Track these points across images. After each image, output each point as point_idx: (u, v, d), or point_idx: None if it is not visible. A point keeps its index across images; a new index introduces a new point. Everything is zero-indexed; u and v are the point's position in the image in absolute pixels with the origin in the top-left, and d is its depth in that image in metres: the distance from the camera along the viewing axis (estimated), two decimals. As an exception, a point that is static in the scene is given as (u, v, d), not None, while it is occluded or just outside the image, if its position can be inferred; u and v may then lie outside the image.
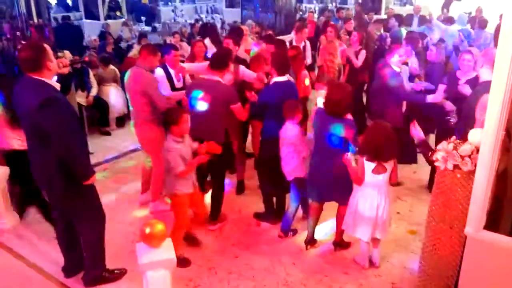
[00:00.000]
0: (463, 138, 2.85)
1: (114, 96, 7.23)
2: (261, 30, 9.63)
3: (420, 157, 5.44)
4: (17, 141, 3.97)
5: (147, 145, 4.63)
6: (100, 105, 7.08)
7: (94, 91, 6.96)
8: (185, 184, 3.66)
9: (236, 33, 5.95)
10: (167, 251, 2.93)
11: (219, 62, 4.07)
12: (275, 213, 4.45)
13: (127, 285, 3.57)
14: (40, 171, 3.22)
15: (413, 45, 6.21)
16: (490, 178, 2.48)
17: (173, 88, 4.76)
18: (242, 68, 4.84)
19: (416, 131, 3.30)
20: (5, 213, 4.38)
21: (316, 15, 13.19)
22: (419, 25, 9.64)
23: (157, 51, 4.52)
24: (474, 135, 2.75)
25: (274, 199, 4.45)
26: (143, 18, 14.42)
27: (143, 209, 4.74)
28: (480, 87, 3.64)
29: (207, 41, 6.41)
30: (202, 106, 4.01)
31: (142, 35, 9.36)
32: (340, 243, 4.04)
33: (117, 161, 6.10)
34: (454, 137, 2.91)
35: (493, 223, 2.68)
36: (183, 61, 6.20)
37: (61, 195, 3.23)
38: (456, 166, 2.73)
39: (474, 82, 4.31)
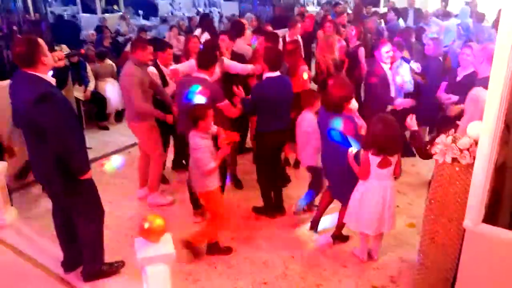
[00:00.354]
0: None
1: (111, 91, 7.20)
2: (258, 23, 9.57)
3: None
4: None
5: (141, 139, 4.64)
6: (97, 99, 7.06)
7: (91, 86, 6.94)
8: (215, 177, 3.64)
9: (237, 27, 5.90)
10: (166, 245, 2.92)
11: (205, 60, 4.05)
12: (273, 207, 4.46)
13: (126, 280, 3.57)
14: (39, 167, 3.21)
15: (404, 39, 6.20)
16: (488, 171, 2.48)
17: (165, 86, 4.76)
18: (225, 60, 4.82)
19: (412, 122, 3.30)
20: (4, 209, 4.37)
21: (315, 8, 13.14)
22: (414, 18, 9.59)
23: (146, 45, 4.46)
24: (473, 128, 2.74)
25: (272, 193, 4.46)
26: (140, 12, 14.34)
27: (142, 204, 4.75)
28: (480, 83, 3.62)
29: (205, 35, 6.37)
30: (189, 104, 3.99)
31: (142, 29, 9.32)
32: (339, 236, 4.05)
33: (116, 155, 6.09)
34: (453, 130, 2.91)
35: (492, 216, 2.68)
36: (179, 56, 6.18)
37: (60, 190, 3.23)
38: (454, 159, 2.73)
39: (471, 77, 4.29)
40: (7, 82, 3.38)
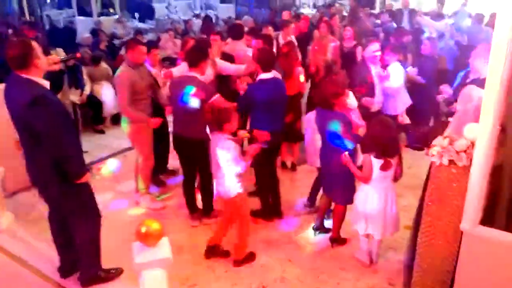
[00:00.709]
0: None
1: (106, 94, 7.17)
2: (256, 26, 9.58)
3: (416, 153, 5.48)
4: None
5: (130, 140, 4.62)
6: (93, 103, 7.03)
7: (87, 89, 6.91)
8: (241, 180, 3.62)
9: (235, 30, 5.92)
10: (163, 250, 2.90)
11: (193, 58, 4.07)
12: (271, 210, 4.44)
13: (123, 284, 3.56)
14: (34, 170, 3.19)
15: (396, 39, 6.23)
16: (485, 173, 2.48)
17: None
18: (218, 61, 4.80)
19: (403, 118, 3.32)
20: (0, 213, 4.35)
21: (311, 10, 13.16)
22: (409, 19, 9.63)
23: (137, 45, 4.44)
24: (470, 130, 2.74)
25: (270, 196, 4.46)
26: (136, 15, 14.32)
27: (139, 208, 4.73)
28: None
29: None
30: (180, 102, 4.00)
31: (138, 32, 9.32)
32: (336, 239, 4.04)
33: (112, 159, 6.07)
34: (449, 131, 2.91)
35: (489, 218, 2.68)
36: (175, 59, 6.17)
37: (56, 194, 3.21)
38: (451, 162, 2.72)
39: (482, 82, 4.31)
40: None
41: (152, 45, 5.09)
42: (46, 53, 3.48)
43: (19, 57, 2.94)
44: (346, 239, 4.05)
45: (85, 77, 6.93)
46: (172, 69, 4.71)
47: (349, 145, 3.54)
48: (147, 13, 14.90)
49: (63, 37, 10.13)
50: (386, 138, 3.32)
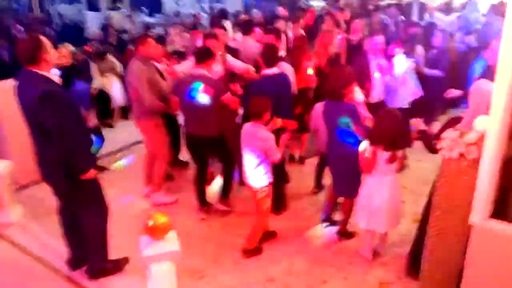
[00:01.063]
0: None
1: (114, 87, 7.19)
2: (265, 19, 9.53)
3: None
4: None
5: (147, 138, 4.63)
6: (101, 97, 7.05)
7: (96, 83, 6.94)
8: (269, 172, 3.67)
9: (246, 25, 5.92)
10: (171, 243, 2.92)
11: (202, 55, 4.08)
12: (275, 203, 4.43)
13: (130, 277, 3.58)
14: (44, 164, 3.22)
15: (405, 31, 6.18)
16: (495, 166, 2.45)
17: None
18: (230, 58, 4.78)
19: (418, 123, 3.28)
20: (10, 207, 4.40)
21: (320, 3, 13.02)
22: (418, 12, 9.52)
23: (146, 39, 4.45)
24: (480, 122, 2.70)
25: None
26: (145, 9, 14.32)
27: (147, 202, 4.75)
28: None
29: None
30: (202, 98, 4.01)
31: (147, 27, 9.32)
32: (344, 233, 4.03)
33: (120, 153, 6.09)
34: (459, 124, 2.87)
35: (499, 211, 2.64)
36: (183, 53, 6.16)
37: (65, 188, 3.23)
38: (461, 155, 2.69)
39: None
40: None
41: (159, 40, 5.09)
42: (55, 47, 3.50)
43: (28, 52, 2.98)
44: (354, 233, 4.03)
45: (93, 71, 6.94)
46: (176, 66, 4.71)
47: (358, 136, 3.51)
48: (155, 7, 14.90)
49: (72, 32, 10.18)
50: (395, 131, 3.29)
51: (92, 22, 11.63)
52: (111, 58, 7.37)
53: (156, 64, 4.74)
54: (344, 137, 3.59)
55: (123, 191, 4.97)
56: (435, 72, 5.86)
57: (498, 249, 2.52)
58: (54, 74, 3.16)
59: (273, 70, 4.07)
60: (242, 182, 5.02)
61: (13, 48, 4.10)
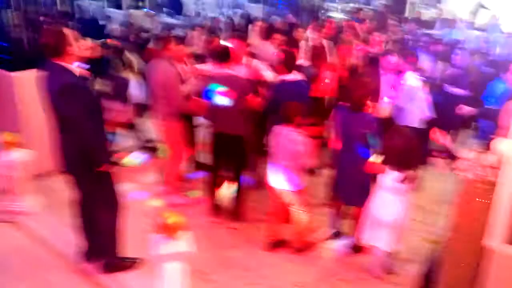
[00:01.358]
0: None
1: (131, 84, 7.22)
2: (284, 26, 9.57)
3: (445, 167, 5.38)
4: None
5: (168, 137, 4.66)
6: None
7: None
8: (300, 176, 3.75)
9: (267, 31, 6.02)
10: (185, 243, 2.94)
11: (223, 54, 4.19)
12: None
13: (140, 275, 3.60)
14: (62, 155, 3.29)
15: (425, 49, 6.17)
16: (512, 190, 2.44)
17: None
18: (260, 65, 4.82)
19: (438, 137, 3.26)
20: (28, 197, 4.46)
21: (339, 14, 13.05)
22: (441, 28, 9.49)
23: (170, 42, 4.49)
24: (498, 144, 2.70)
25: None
26: (170, 10, 14.44)
27: (160, 200, 4.78)
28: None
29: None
30: (221, 99, 4.07)
31: (169, 27, 9.40)
32: (354, 247, 4.00)
33: (134, 150, 6.13)
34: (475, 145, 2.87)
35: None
36: (202, 56, 6.20)
37: (79, 178, 3.31)
38: (477, 176, 2.69)
39: None
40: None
41: (180, 41, 5.13)
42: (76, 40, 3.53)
43: (52, 45, 3.04)
44: (363, 247, 4.00)
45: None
46: (200, 66, 4.75)
47: (375, 145, 3.51)
48: (176, 8, 15.02)
49: (93, 27, 10.28)
50: (402, 150, 3.27)
51: (114, 19, 11.76)
52: (128, 54, 7.43)
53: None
54: (362, 146, 3.58)
55: (136, 188, 5.00)
56: (458, 91, 5.80)
57: None
58: (81, 67, 3.21)
59: (291, 76, 4.14)
60: (254, 187, 5.07)
61: (36, 40, 4.16)
